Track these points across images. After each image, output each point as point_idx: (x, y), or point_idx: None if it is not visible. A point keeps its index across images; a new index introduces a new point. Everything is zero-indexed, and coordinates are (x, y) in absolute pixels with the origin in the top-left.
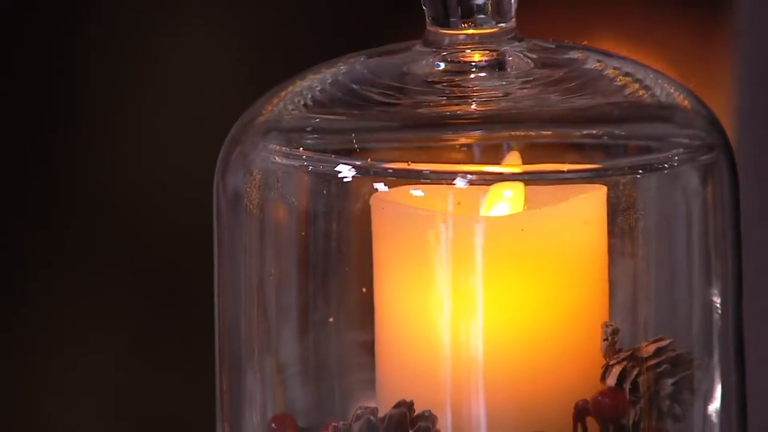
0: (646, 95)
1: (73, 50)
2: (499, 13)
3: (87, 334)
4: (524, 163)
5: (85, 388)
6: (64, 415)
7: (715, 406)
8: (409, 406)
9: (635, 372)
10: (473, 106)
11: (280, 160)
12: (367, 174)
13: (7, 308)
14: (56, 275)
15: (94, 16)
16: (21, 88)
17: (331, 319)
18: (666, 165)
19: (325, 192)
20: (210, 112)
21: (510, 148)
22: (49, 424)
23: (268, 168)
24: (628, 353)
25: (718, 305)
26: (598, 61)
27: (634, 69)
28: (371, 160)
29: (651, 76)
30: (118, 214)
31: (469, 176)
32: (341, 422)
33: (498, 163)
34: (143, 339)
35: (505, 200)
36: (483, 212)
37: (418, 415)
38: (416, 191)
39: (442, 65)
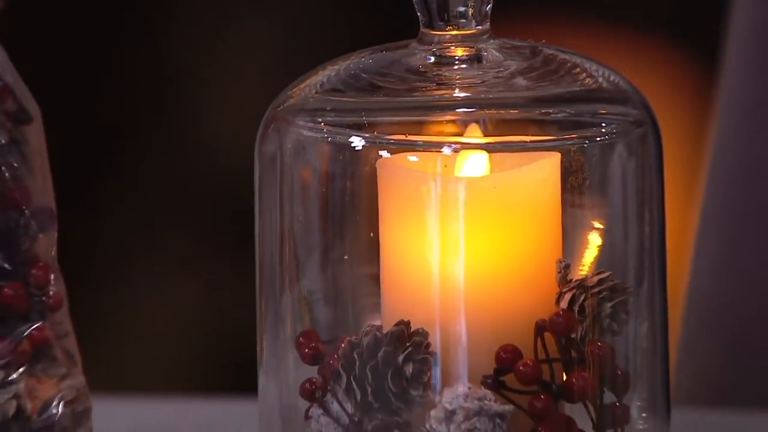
0: (591, 82)
1: (154, 50)
2: (477, 18)
3: (161, 265)
4: (496, 135)
5: (154, 307)
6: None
7: (644, 323)
8: (407, 324)
9: (582, 297)
10: (456, 91)
11: (306, 133)
12: (373, 144)
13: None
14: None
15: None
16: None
17: (346, 257)
18: (606, 137)
19: (341, 158)
20: (254, 93)
21: (484, 123)
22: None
23: (296, 139)
24: (577, 283)
25: (646, 246)
26: (554, 55)
27: (581, 60)
28: (377, 132)
29: (594, 66)
30: (180, 174)
31: (453, 145)
32: (354, 336)
33: (479, 135)
34: (208, 272)
35: (471, 163)
36: (456, 173)
37: (413, 332)
38: (412, 157)
39: (432, 59)
